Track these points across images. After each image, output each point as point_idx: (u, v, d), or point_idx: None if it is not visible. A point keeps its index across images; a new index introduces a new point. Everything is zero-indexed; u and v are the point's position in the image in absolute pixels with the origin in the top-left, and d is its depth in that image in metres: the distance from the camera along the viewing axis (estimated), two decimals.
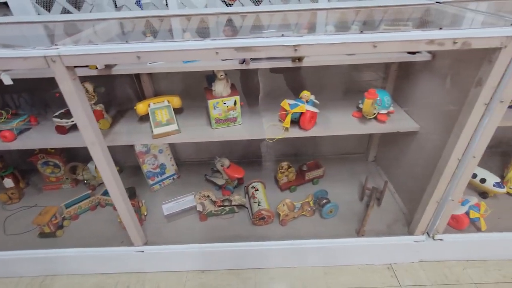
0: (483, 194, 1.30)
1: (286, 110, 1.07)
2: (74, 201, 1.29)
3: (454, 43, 0.70)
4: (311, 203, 1.25)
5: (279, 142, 1.11)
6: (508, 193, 1.31)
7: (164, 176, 1.46)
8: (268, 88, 1.37)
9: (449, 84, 0.96)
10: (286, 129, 1.10)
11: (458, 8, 1.06)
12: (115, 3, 1.79)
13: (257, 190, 1.31)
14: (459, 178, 0.96)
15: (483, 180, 1.28)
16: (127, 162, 1.57)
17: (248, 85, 1.35)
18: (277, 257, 1.17)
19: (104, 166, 0.92)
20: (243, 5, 1.73)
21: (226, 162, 1.35)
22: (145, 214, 1.28)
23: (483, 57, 0.75)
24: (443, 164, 0.94)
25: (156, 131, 1.07)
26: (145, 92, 1.31)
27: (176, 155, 1.61)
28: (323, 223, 1.24)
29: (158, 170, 1.43)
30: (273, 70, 1.34)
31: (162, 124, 1.09)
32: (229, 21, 1.19)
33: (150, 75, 1.29)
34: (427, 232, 1.14)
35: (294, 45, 0.72)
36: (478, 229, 1.15)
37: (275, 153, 1.64)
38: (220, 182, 1.39)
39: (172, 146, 1.55)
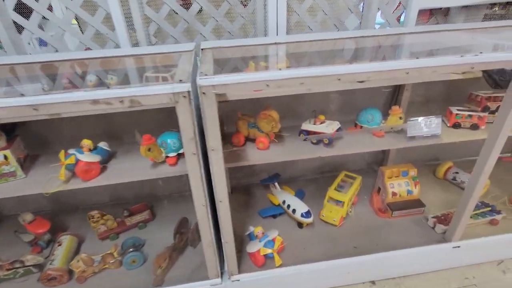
0: (299, 224, 1.34)
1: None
2: None
3: (121, 102, 0.70)
4: (115, 254, 1.18)
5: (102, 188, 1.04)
6: (324, 221, 1.36)
7: None
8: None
9: None
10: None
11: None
12: None
13: (60, 244, 1.21)
14: (220, 221, 0.96)
15: (293, 211, 1.32)
16: None
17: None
18: None
19: None
20: None
21: (28, 217, 1.24)
22: None
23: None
24: (199, 211, 0.94)
25: None
26: None
27: None
28: (129, 275, 1.17)
29: None
30: None
31: None
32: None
33: None
34: (228, 274, 1.12)
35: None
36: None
37: (101, 200, 1.55)
38: (27, 238, 1.27)
39: None
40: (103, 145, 1.13)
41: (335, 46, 1.34)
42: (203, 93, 0.73)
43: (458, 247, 1.21)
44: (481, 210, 1.31)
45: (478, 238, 1.23)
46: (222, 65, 1.02)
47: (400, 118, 1.21)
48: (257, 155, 1.17)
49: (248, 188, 1.63)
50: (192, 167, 0.82)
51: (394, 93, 1.47)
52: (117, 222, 1.34)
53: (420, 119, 1.17)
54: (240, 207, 1.50)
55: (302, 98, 1.44)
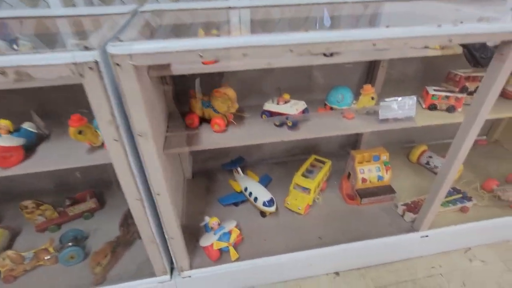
0: (262, 213, 1.24)
1: None
2: None
3: (2, 73, 0.53)
4: (50, 249, 1.05)
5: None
6: (289, 209, 1.26)
7: None
8: None
9: None
10: None
11: None
12: None
13: None
14: (161, 216, 0.83)
15: (255, 199, 1.21)
16: None
17: None
18: None
19: None
20: None
21: None
22: None
23: None
24: (133, 206, 0.80)
25: None
26: None
27: None
28: (68, 272, 1.05)
29: None
30: None
31: None
32: None
33: None
34: (178, 270, 1.02)
35: None
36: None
37: (44, 186, 1.39)
38: None
39: None
40: (28, 126, 0.95)
41: (308, 13, 1.18)
42: (117, 64, 0.57)
43: (426, 236, 1.15)
44: (452, 197, 1.24)
45: (447, 227, 1.17)
46: (161, 33, 0.85)
47: (372, 98, 1.09)
48: (213, 139, 1.03)
49: (212, 173, 1.50)
50: (116, 156, 0.67)
51: (369, 71, 1.34)
52: (58, 212, 1.19)
53: (393, 100, 1.06)
54: (201, 194, 1.38)
55: (268, 74, 1.29)
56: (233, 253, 1.04)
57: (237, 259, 1.05)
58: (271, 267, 1.07)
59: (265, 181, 1.37)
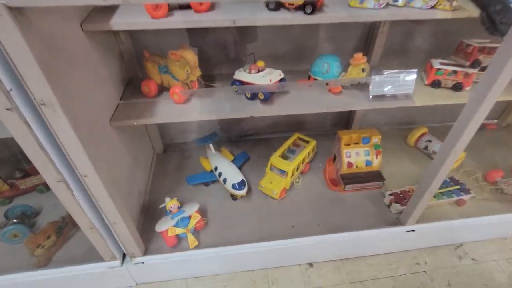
0: (233, 196, 1.11)
1: None
2: None
3: None
4: None
5: None
6: (264, 192, 1.14)
7: None
8: None
9: None
10: None
11: None
12: None
13: None
14: (94, 200, 0.71)
15: (224, 180, 1.08)
16: None
17: None
18: None
19: None
20: None
21: None
22: None
23: None
24: (55, 189, 0.67)
25: None
26: None
27: None
28: (12, 251, 0.96)
29: None
30: None
31: None
32: None
33: None
34: (129, 256, 0.92)
35: None
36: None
37: None
38: None
39: None
40: None
41: None
42: None
43: (413, 231, 1.03)
44: (447, 189, 1.10)
45: (437, 222, 1.03)
46: None
47: (363, 70, 0.92)
48: (171, 111, 0.89)
49: (186, 148, 1.37)
50: (15, 129, 0.53)
51: (367, 38, 1.14)
52: (9, 184, 1.09)
53: (388, 73, 0.88)
54: (170, 171, 1.25)
55: (247, 38, 1.10)
56: (191, 240, 0.93)
57: (197, 247, 0.94)
58: (234, 256, 0.97)
59: (241, 160, 1.24)
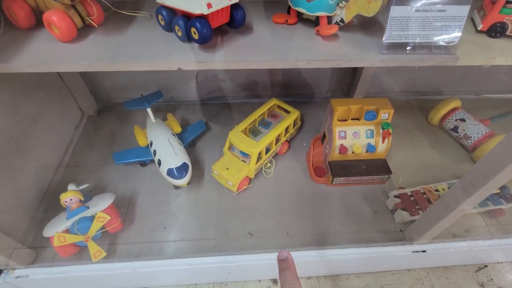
0: (176, 187, 0.80)
1: None
2: None
3: None
4: None
5: None
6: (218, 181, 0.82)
7: None
8: None
9: None
10: None
11: None
12: None
13: None
14: None
15: (159, 163, 0.76)
16: None
17: None
18: None
19: None
20: None
21: None
22: None
23: None
24: None
25: None
26: None
27: None
28: None
29: None
30: None
31: None
32: None
33: None
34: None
35: None
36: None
37: None
38: None
39: None
40: None
41: None
42: None
43: (423, 252, 0.72)
44: None
45: (459, 241, 0.72)
46: None
47: None
48: (44, 53, 0.53)
49: (124, 111, 1.02)
50: None
51: None
52: None
53: (421, 3, 0.49)
54: (99, 143, 0.93)
55: None
56: (94, 251, 0.63)
57: (106, 258, 0.65)
58: (161, 273, 0.68)
59: (195, 133, 0.90)
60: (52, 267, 0.65)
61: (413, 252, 0.71)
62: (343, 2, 0.56)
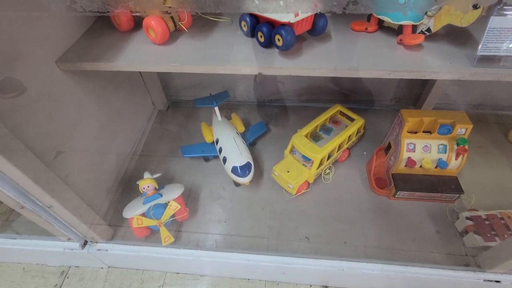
0: (235, 181, 0.83)
1: None
2: None
3: None
4: None
5: None
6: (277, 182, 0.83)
7: None
8: None
9: None
10: None
11: None
12: None
13: None
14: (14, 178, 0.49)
15: (224, 160, 0.80)
16: None
17: None
18: None
19: None
20: None
21: None
22: None
23: None
24: None
25: None
26: None
27: None
28: None
29: None
30: None
31: None
32: None
33: None
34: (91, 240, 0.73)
35: None
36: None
37: None
38: None
39: None
40: None
41: None
42: None
43: (497, 282, 0.66)
44: None
45: None
46: None
47: (476, 6, 0.50)
48: (140, 53, 0.59)
49: (193, 107, 1.09)
50: None
51: None
52: None
53: None
54: (169, 136, 1.01)
55: None
56: (164, 236, 0.69)
57: (173, 244, 0.71)
58: (221, 264, 0.72)
59: (256, 133, 0.93)
60: (128, 245, 0.72)
61: (484, 280, 0.66)
62: (432, 11, 0.53)
